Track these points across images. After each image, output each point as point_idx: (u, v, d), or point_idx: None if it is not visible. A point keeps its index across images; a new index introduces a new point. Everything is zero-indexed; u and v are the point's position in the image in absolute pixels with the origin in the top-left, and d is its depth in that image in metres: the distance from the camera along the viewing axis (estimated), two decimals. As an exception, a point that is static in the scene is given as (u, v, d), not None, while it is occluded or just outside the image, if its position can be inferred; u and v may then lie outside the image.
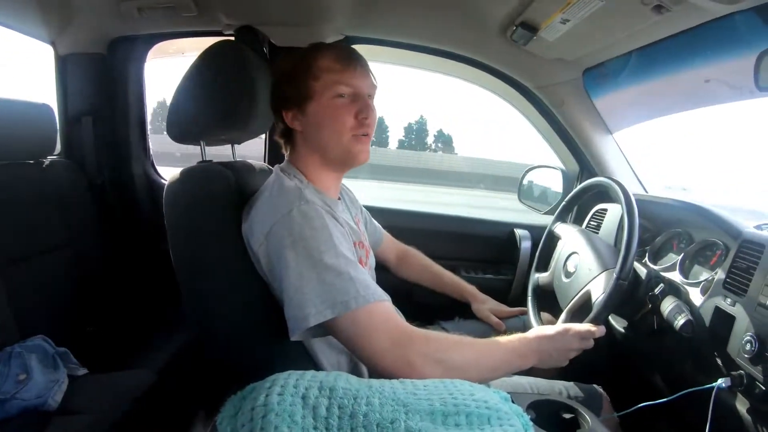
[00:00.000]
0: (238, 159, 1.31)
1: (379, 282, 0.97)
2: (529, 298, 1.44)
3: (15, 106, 1.38)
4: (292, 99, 1.05)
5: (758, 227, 1.10)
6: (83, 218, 1.64)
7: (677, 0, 1.06)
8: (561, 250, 1.43)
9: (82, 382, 1.27)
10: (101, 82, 1.75)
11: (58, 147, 1.74)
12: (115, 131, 1.82)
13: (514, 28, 1.46)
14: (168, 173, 1.87)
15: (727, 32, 1.16)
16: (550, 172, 1.92)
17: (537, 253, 1.54)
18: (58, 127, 1.59)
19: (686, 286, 1.16)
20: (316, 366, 1.02)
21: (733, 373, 0.92)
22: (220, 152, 1.32)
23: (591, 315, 1.12)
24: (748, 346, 0.89)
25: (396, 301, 0.96)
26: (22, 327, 1.29)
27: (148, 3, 1.51)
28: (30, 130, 1.44)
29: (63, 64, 1.72)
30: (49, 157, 1.59)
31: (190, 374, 1.36)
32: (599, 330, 1.06)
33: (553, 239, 1.52)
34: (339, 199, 1.17)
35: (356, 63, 1.05)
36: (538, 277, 1.48)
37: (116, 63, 1.77)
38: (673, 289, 1.15)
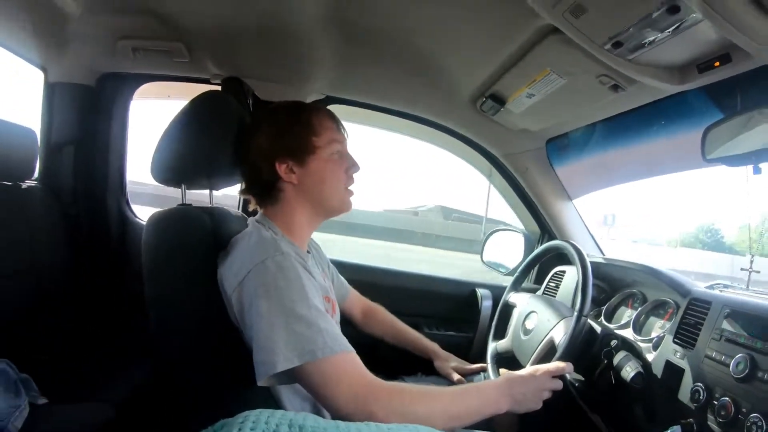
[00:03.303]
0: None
1: (344, 336, 0.96)
2: (489, 365, 1.42)
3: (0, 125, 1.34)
4: (289, 152, 1.07)
5: (709, 287, 1.14)
6: (52, 247, 1.57)
7: (631, 81, 1.14)
8: (518, 315, 1.45)
9: (42, 412, 1.19)
10: (87, 114, 1.72)
11: (37, 172, 1.68)
12: (94, 164, 1.77)
13: (484, 99, 1.53)
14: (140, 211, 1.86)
15: (678, 108, 1.25)
16: (512, 235, 1.96)
17: (494, 322, 1.55)
18: (38, 153, 1.53)
19: (639, 343, 1.18)
20: None
21: (683, 421, 0.94)
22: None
23: (557, 353, 1.13)
24: (696, 395, 0.93)
25: (360, 356, 0.94)
26: None
27: (144, 44, 1.53)
28: (11, 151, 1.39)
29: (51, 91, 1.68)
30: (27, 182, 1.53)
31: (150, 410, 1.28)
32: (568, 366, 1.07)
33: (508, 308, 1.54)
34: (308, 252, 1.18)
35: (341, 125, 1.15)
36: (496, 344, 1.47)
37: (103, 97, 1.75)
38: (627, 345, 1.17)
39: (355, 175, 1.15)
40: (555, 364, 1.07)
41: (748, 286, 1.15)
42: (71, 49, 1.57)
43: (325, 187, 1.10)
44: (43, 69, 1.68)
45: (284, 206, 1.10)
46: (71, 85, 1.69)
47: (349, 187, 1.14)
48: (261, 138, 1.09)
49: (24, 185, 1.50)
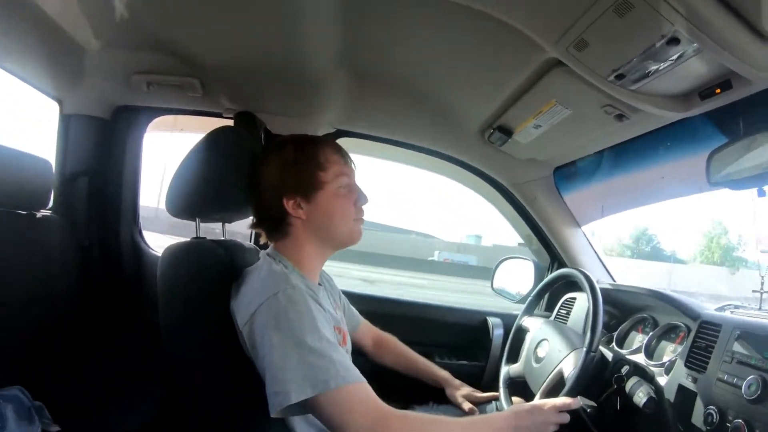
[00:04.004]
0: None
1: (356, 366, 0.98)
2: (501, 389, 1.43)
3: (16, 155, 1.38)
4: (296, 188, 1.09)
5: (719, 309, 1.16)
6: (66, 276, 1.58)
7: (635, 110, 1.18)
8: (530, 340, 1.46)
9: None
10: (101, 146, 1.76)
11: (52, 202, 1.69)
12: (108, 195, 1.81)
13: (491, 131, 1.58)
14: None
15: (682, 134, 1.28)
16: (522, 263, 1.98)
17: (507, 346, 1.57)
18: (53, 184, 1.56)
19: (651, 367, 1.20)
20: None
21: None
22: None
23: (565, 388, 1.14)
24: (709, 419, 0.94)
25: (371, 385, 0.96)
26: None
27: (158, 79, 1.58)
28: (27, 181, 1.42)
29: (66, 123, 1.72)
30: (42, 212, 1.56)
31: None
32: (575, 402, 1.09)
33: (521, 332, 1.56)
34: (320, 285, 1.20)
35: (348, 157, 1.16)
36: (509, 369, 1.48)
37: (118, 130, 1.79)
38: (639, 370, 1.18)
39: (363, 207, 1.17)
40: (562, 400, 1.09)
41: (760, 307, 1.17)
42: (86, 82, 1.62)
43: (334, 221, 1.12)
44: (59, 101, 1.72)
45: (293, 241, 1.12)
46: (86, 117, 1.73)
47: (357, 219, 1.15)
48: (269, 173, 1.12)
49: (39, 215, 1.52)
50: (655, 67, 0.98)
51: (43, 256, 1.50)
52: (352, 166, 1.17)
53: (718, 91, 0.99)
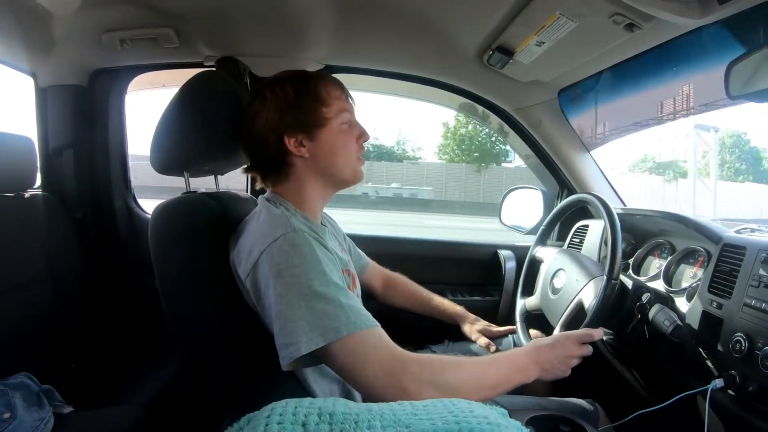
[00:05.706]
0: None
1: (366, 309, 0.93)
2: (518, 324, 1.42)
3: None
4: (298, 126, 1.02)
5: (738, 231, 1.11)
6: (63, 252, 1.57)
7: (647, 17, 1.08)
8: (545, 271, 1.43)
9: (68, 421, 1.19)
10: (82, 115, 1.70)
11: (39, 180, 1.67)
12: (95, 164, 1.76)
13: (491, 52, 1.47)
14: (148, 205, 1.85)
15: (697, 46, 1.20)
16: (530, 193, 1.91)
17: (521, 279, 1.53)
18: (38, 160, 1.52)
19: (671, 294, 1.16)
20: (309, 395, 0.98)
21: (725, 373, 0.92)
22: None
23: (587, 319, 1.11)
24: (738, 346, 0.90)
25: (384, 328, 0.92)
26: (4, 364, 1.22)
27: (130, 35, 1.49)
28: (10, 162, 1.38)
29: (43, 96, 1.67)
30: (30, 191, 1.53)
31: (178, 408, 1.29)
32: (597, 333, 1.05)
33: (535, 263, 1.52)
34: (324, 225, 1.15)
35: (348, 92, 1.10)
36: (525, 302, 1.46)
37: (97, 95, 1.73)
38: (660, 298, 1.15)
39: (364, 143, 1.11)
40: (584, 331, 1.06)
41: None
42: (58, 49, 1.54)
43: (338, 159, 1.06)
44: (33, 75, 1.66)
45: (295, 181, 1.06)
46: (63, 87, 1.67)
47: (359, 156, 1.10)
48: (266, 112, 1.03)
49: (27, 194, 1.49)
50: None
51: (37, 235, 1.48)
52: (352, 101, 1.11)
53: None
